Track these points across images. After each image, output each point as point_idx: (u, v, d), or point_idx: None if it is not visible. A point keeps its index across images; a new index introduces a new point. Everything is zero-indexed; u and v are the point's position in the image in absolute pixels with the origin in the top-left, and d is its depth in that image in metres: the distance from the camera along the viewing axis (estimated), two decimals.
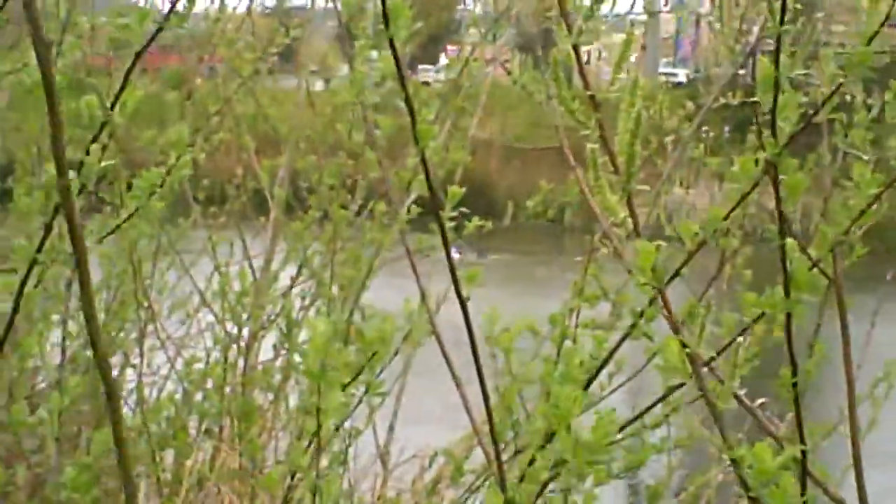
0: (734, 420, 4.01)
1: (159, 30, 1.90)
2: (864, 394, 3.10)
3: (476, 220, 3.61)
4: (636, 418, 1.64)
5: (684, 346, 1.52)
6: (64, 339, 3.11)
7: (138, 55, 1.98)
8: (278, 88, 6.88)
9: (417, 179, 1.58)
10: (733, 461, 1.58)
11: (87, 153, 2.07)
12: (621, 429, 1.73)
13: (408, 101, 1.59)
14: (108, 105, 2.02)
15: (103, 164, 2.05)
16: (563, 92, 1.76)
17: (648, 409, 1.67)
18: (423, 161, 1.62)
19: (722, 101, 3.43)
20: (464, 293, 1.74)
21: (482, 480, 3.95)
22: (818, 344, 1.69)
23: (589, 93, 1.76)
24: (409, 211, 2.86)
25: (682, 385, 1.63)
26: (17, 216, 2.71)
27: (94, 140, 2.07)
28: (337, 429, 3.14)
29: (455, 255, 2.17)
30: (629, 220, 1.65)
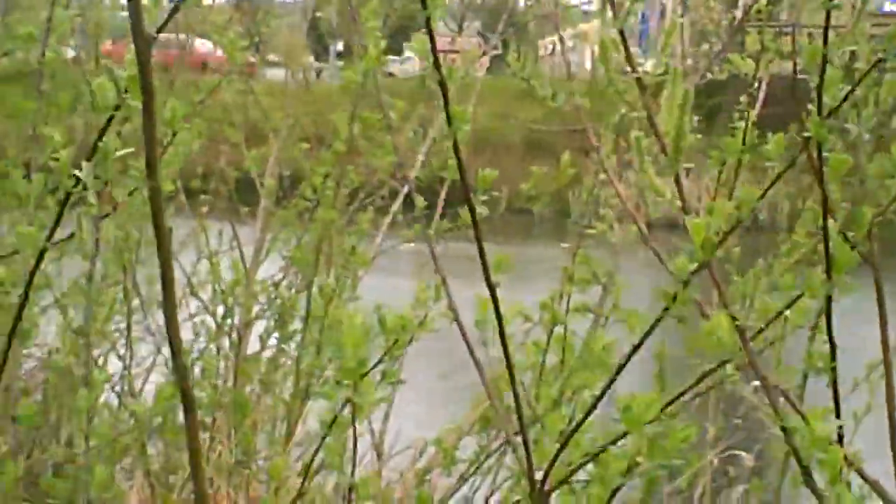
0: (725, 407, 4.01)
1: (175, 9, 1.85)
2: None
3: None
4: (668, 405, 1.63)
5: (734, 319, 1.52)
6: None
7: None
8: (259, 80, 6.86)
9: (450, 165, 1.56)
10: (784, 430, 1.58)
11: (101, 139, 2.03)
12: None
13: (442, 83, 1.57)
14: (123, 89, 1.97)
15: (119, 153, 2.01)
16: (613, 75, 1.75)
17: (681, 394, 1.67)
18: (455, 146, 1.60)
19: (709, 76, 3.44)
20: (493, 279, 1.73)
21: (474, 469, 3.94)
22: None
23: (636, 75, 1.76)
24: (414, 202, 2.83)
25: (716, 368, 1.62)
26: (12, 200, 2.63)
27: (108, 125, 2.01)
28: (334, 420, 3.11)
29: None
30: (676, 198, 1.64)
